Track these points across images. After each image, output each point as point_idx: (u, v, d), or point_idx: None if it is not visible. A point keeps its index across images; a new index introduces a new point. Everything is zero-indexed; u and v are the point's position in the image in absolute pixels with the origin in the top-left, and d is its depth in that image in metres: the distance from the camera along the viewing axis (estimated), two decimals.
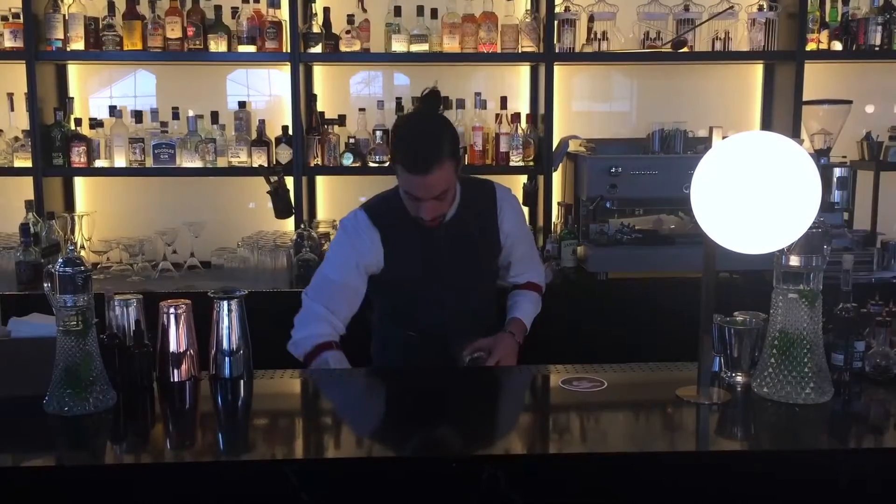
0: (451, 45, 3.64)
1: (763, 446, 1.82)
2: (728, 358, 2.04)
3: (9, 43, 3.55)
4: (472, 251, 2.43)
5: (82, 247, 3.63)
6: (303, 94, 3.68)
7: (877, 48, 3.68)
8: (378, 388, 2.25)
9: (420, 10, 3.66)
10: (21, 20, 3.52)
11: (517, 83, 3.94)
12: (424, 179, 2.17)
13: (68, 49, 3.58)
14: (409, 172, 2.18)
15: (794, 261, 1.88)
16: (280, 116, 3.81)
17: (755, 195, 1.71)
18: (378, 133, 3.66)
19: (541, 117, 3.74)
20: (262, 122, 3.69)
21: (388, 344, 2.52)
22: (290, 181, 3.61)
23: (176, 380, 2.03)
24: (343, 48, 3.64)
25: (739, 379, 2.03)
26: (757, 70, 3.97)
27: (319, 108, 3.78)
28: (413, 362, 2.43)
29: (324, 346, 2.28)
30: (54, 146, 3.61)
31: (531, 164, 3.70)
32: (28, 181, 3.60)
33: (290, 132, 3.64)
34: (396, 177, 2.27)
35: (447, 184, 2.21)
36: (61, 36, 3.56)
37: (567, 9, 3.69)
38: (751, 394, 1.95)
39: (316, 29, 3.61)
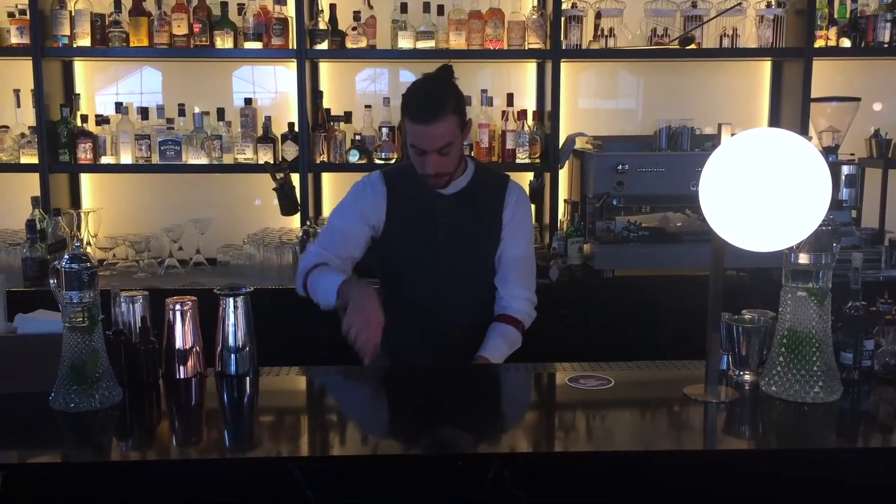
0: (457, 41, 3.63)
1: (771, 445, 1.80)
2: (736, 356, 2.03)
3: (15, 39, 3.55)
4: (472, 228, 2.43)
5: (88, 243, 3.63)
6: (309, 91, 3.68)
7: (886, 45, 3.66)
8: (383, 386, 2.24)
9: (426, 7, 3.65)
10: (28, 17, 3.53)
11: (524, 80, 3.93)
12: (428, 129, 2.24)
13: (75, 46, 3.58)
14: (414, 122, 2.26)
15: (803, 259, 1.86)
16: (286, 113, 3.80)
17: (765, 193, 1.70)
18: (384, 130, 3.66)
19: (547, 114, 3.73)
20: (268, 118, 3.69)
21: (388, 339, 2.51)
22: (296, 178, 3.61)
23: (182, 376, 2.03)
24: (349, 45, 3.63)
25: (747, 377, 2.02)
26: (765, 67, 3.95)
27: (325, 104, 3.78)
28: (411, 358, 2.43)
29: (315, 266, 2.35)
30: (60, 143, 3.61)
31: (538, 161, 3.69)
32: (34, 178, 3.60)
33: (297, 129, 3.64)
34: (403, 134, 2.35)
35: (451, 137, 2.27)
36: (68, 32, 3.56)
37: (574, 5, 3.68)
38: (759, 392, 1.94)
39: (322, 25, 3.61)
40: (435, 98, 2.28)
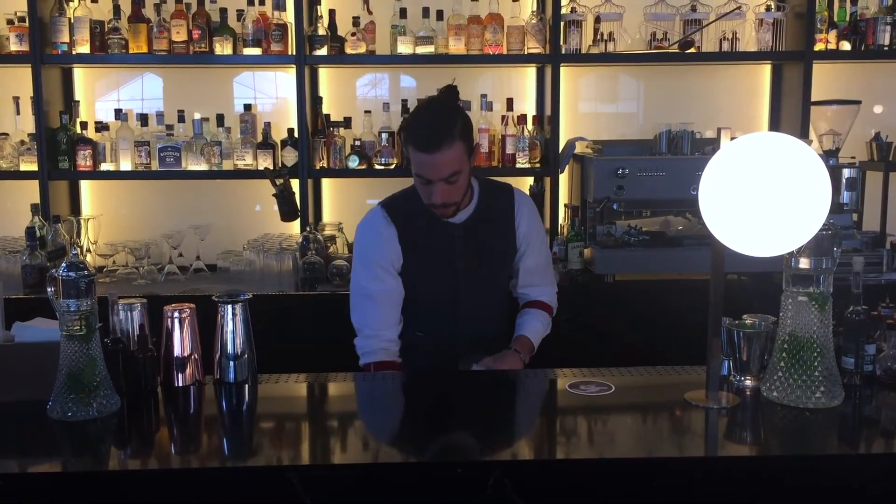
0: (456, 46, 3.63)
1: (773, 451, 1.79)
2: (737, 361, 2.02)
3: (14, 47, 3.55)
4: (489, 252, 2.42)
5: (88, 250, 3.63)
6: (308, 97, 3.67)
7: (886, 48, 3.66)
8: (384, 393, 2.23)
9: (426, 12, 3.64)
10: (27, 24, 3.53)
11: (523, 85, 3.93)
12: (434, 158, 2.16)
13: (74, 52, 3.58)
14: (419, 151, 2.17)
15: (804, 263, 1.86)
16: (286, 119, 3.80)
17: (764, 197, 1.69)
18: (384, 135, 3.65)
19: (547, 119, 3.72)
20: (267, 124, 3.68)
21: (407, 353, 2.51)
22: (295, 184, 3.61)
23: (180, 384, 2.02)
24: (348, 50, 3.63)
25: (749, 383, 2.01)
26: (765, 70, 3.94)
27: (325, 110, 3.77)
28: (421, 367, 2.42)
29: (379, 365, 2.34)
30: (60, 150, 3.61)
31: (538, 165, 3.69)
32: (34, 185, 3.60)
33: (296, 135, 3.64)
34: (410, 165, 2.26)
35: (458, 165, 2.19)
36: (67, 39, 3.56)
37: (573, 10, 3.67)
38: (760, 398, 1.93)
39: (321, 31, 3.61)
40: (440, 124, 2.18)
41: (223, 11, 3.61)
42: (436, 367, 2.41)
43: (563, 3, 3.62)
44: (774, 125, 3.91)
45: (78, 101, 3.76)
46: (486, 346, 2.40)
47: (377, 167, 3.64)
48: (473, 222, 2.38)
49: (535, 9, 3.66)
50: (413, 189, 2.35)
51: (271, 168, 3.60)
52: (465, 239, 2.37)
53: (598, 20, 3.72)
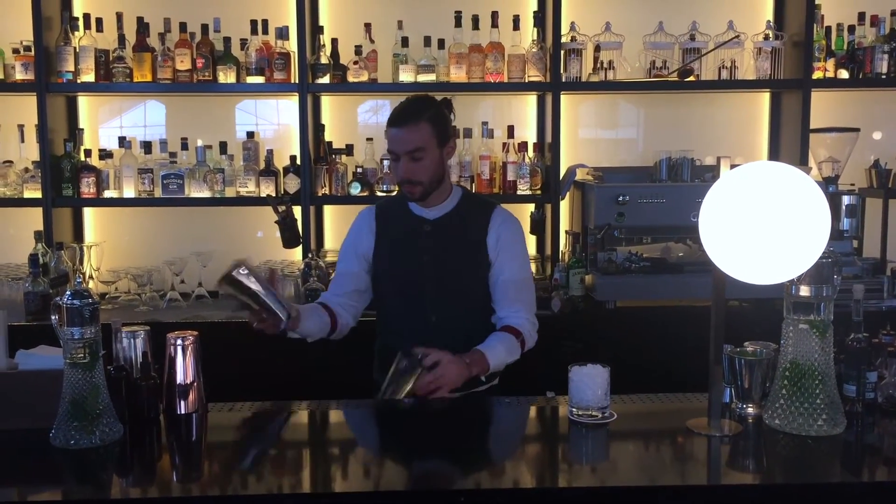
0: (458, 74, 3.66)
1: (775, 479, 1.79)
2: (739, 389, 2.03)
3: (20, 75, 3.58)
4: (455, 255, 2.45)
5: (91, 277, 3.64)
6: (311, 124, 3.70)
7: (883, 76, 3.69)
8: (386, 421, 2.23)
9: (427, 41, 3.68)
10: (32, 53, 3.56)
11: (524, 112, 3.96)
12: (399, 132, 2.36)
13: (79, 81, 3.61)
14: (389, 126, 2.39)
15: (805, 291, 1.87)
16: (288, 146, 3.83)
17: (765, 226, 1.71)
18: (385, 162, 3.68)
19: (548, 146, 3.75)
20: (270, 151, 3.71)
21: (387, 367, 2.51)
22: (297, 210, 3.62)
23: (182, 412, 2.02)
24: (351, 78, 3.66)
25: (750, 410, 2.01)
26: (764, 98, 3.98)
27: (327, 137, 3.80)
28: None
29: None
30: (64, 177, 3.63)
31: (538, 192, 3.71)
32: (37, 212, 3.61)
33: (298, 162, 3.66)
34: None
35: (422, 143, 2.35)
36: (72, 68, 3.60)
37: (573, 38, 3.71)
38: (762, 425, 1.93)
39: (324, 60, 3.64)
40: (411, 106, 2.42)
41: (227, 40, 3.64)
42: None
43: (563, 32, 3.66)
44: (774, 152, 3.93)
45: (82, 129, 3.79)
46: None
47: (379, 194, 3.66)
48: (445, 221, 2.47)
49: (535, 38, 3.70)
50: (402, 194, 2.48)
51: (274, 195, 3.62)
52: (434, 235, 2.46)
53: (597, 49, 3.75)
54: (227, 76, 3.63)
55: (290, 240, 3.59)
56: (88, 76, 3.61)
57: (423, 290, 2.44)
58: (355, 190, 3.66)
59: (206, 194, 3.66)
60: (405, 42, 3.68)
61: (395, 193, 2.62)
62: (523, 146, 3.71)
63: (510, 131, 3.75)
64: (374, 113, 3.96)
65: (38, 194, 3.62)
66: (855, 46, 3.74)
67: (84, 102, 3.89)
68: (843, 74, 3.73)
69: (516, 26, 3.69)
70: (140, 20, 3.63)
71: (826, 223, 1.72)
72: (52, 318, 1.83)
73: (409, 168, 2.37)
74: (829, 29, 3.76)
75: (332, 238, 3.94)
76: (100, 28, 3.66)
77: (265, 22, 3.66)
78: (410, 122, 2.37)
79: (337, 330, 2.46)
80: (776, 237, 1.71)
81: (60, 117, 3.77)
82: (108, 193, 3.68)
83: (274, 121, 3.96)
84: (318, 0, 3.81)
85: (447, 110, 2.48)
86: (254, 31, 3.64)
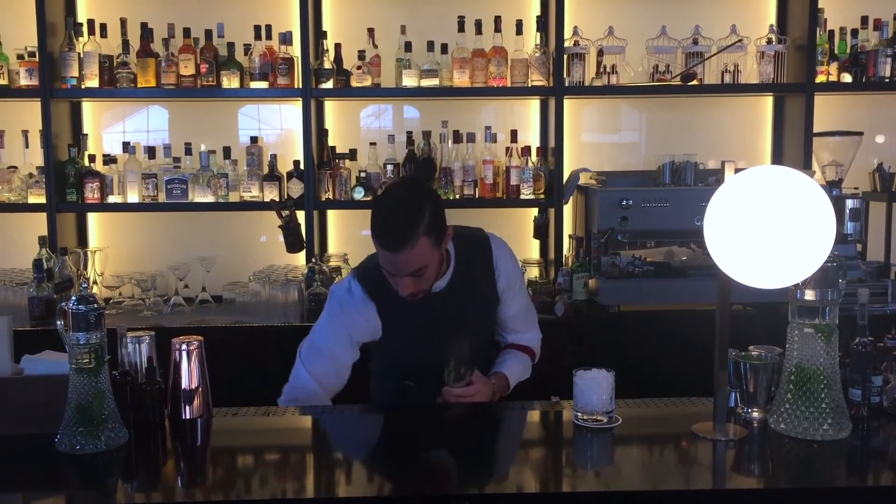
0: (461, 79, 3.67)
1: (781, 484, 1.79)
2: (744, 393, 2.02)
3: (24, 81, 3.60)
4: (472, 312, 2.36)
5: (95, 282, 3.64)
6: (314, 129, 3.71)
7: (887, 80, 3.69)
8: (391, 426, 2.23)
9: (430, 46, 3.69)
10: (36, 58, 3.57)
11: (527, 116, 3.96)
12: (396, 256, 2.08)
13: (83, 86, 3.62)
14: (382, 248, 2.10)
15: (810, 295, 1.86)
16: (291, 151, 3.83)
17: (769, 230, 1.71)
18: (389, 167, 3.68)
19: (551, 150, 3.75)
20: (273, 156, 3.71)
21: (386, 390, 2.50)
22: (301, 215, 3.62)
23: (187, 417, 2.02)
24: (354, 83, 3.67)
25: (756, 415, 2.01)
26: (767, 102, 3.98)
27: (330, 142, 3.81)
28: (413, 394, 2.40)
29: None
30: (68, 182, 3.64)
31: (542, 196, 3.71)
32: (42, 217, 3.62)
33: (302, 166, 3.66)
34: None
35: (424, 261, 2.11)
36: (76, 74, 3.61)
37: (576, 43, 3.71)
38: (767, 430, 1.93)
39: (327, 65, 3.65)
40: (404, 220, 2.07)
41: (230, 46, 3.65)
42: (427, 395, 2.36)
43: (566, 37, 3.66)
44: (777, 156, 3.93)
45: (86, 135, 3.80)
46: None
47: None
48: (452, 287, 2.31)
49: (538, 42, 3.71)
50: None
51: (277, 200, 3.63)
52: (446, 306, 2.30)
53: (600, 53, 3.76)
54: (230, 81, 3.64)
55: (293, 244, 3.59)
56: (92, 82, 3.62)
57: (439, 343, 2.23)
58: (359, 194, 3.67)
59: (209, 199, 3.67)
60: (408, 47, 3.68)
61: (371, 261, 2.31)
62: (526, 150, 3.71)
63: (513, 136, 3.75)
64: (377, 118, 3.97)
65: (42, 199, 3.63)
66: (858, 50, 3.74)
67: (88, 108, 3.90)
68: (847, 78, 3.73)
69: (519, 31, 3.69)
70: (144, 26, 3.64)
71: (831, 227, 1.72)
72: (58, 323, 1.83)
73: (411, 284, 2.14)
74: (832, 33, 3.76)
75: (336, 243, 3.94)
76: (104, 34, 3.67)
77: (269, 27, 3.67)
78: (406, 245, 2.05)
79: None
80: (781, 241, 1.70)
81: (64, 123, 3.78)
82: (111, 198, 3.68)
83: (277, 126, 3.96)
84: (321, 5, 3.82)
85: (435, 202, 2.15)
86: (257, 37, 3.65)
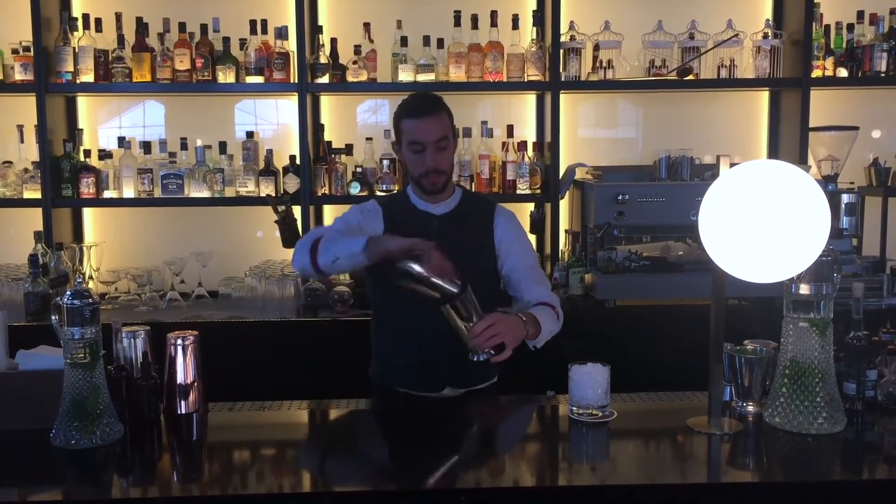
0: (457, 74, 3.66)
1: (776, 478, 1.79)
2: (739, 387, 2.03)
3: (19, 76, 3.58)
4: (465, 252, 2.35)
5: (90, 277, 3.64)
6: (310, 124, 3.70)
7: (882, 74, 3.69)
8: (384, 419, 2.23)
9: (426, 41, 3.68)
10: (31, 53, 3.56)
11: (523, 111, 3.96)
12: (425, 121, 2.34)
13: (78, 81, 3.61)
14: (411, 118, 2.36)
15: (804, 289, 1.87)
16: (288, 146, 3.83)
17: (764, 224, 1.71)
18: (385, 162, 3.68)
19: (547, 145, 3.75)
20: (269, 151, 3.71)
21: (386, 367, 2.50)
22: (297, 210, 3.62)
23: (183, 412, 2.02)
24: (350, 78, 3.66)
25: (751, 408, 2.01)
26: (763, 97, 3.98)
27: (326, 137, 3.80)
28: (409, 384, 2.40)
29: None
30: (63, 177, 3.63)
31: (538, 191, 3.71)
32: (37, 212, 3.61)
33: (298, 161, 3.66)
34: (399, 146, 2.41)
35: (447, 132, 2.37)
36: (71, 69, 3.60)
37: (572, 38, 3.71)
38: (762, 424, 1.93)
39: (323, 59, 3.64)
40: (428, 97, 2.43)
41: (226, 40, 3.64)
42: (421, 388, 2.38)
43: (562, 32, 3.66)
44: (773, 151, 3.93)
45: (81, 130, 3.79)
46: (473, 367, 2.23)
47: (379, 193, 3.65)
48: (452, 216, 2.44)
49: (534, 37, 3.70)
50: (403, 192, 2.47)
51: (273, 195, 3.62)
52: (443, 230, 2.40)
53: (597, 48, 3.75)
54: (226, 76, 3.63)
55: (289, 239, 3.58)
56: (88, 76, 3.62)
57: None
58: (355, 189, 3.66)
59: (205, 194, 3.66)
60: (404, 41, 3.68)
61: (394, 192, 2.54)
62: (523, 145, 3.71)
63: (509, 130, 3.75)
64: (373, 112, 3.97)
65: (37, 195, 3.62)
66: (854, 45, 3.74)
67: (83, 103, 3.89)
68: (843, 73, 3.73)
69: (515, 26, 3.69)
70: (139, 20, 3.63)
71: (826, 221, 1.72)
72: (53, 318, 1.83)
73: (437, 158, 2.35)
74: (828, 27, 3.76)
75: None
76: (99, 28, 3.66)
77: (264, 22, 3.66)
78: (434, 112, 2.36)
79: None
80: (776, 236, 1.71)
81: (60, 118, 3.77)
82: (107, 194, 3.68)
83: (273, 120, 3.96)
84: (317, 0, 3.81)
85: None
86: (253, 31, 3.64)
